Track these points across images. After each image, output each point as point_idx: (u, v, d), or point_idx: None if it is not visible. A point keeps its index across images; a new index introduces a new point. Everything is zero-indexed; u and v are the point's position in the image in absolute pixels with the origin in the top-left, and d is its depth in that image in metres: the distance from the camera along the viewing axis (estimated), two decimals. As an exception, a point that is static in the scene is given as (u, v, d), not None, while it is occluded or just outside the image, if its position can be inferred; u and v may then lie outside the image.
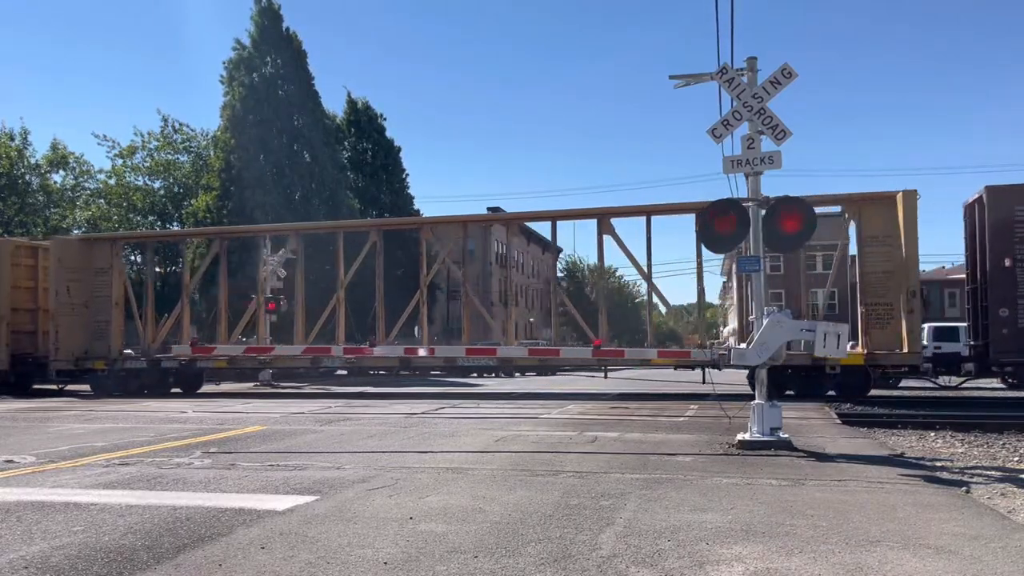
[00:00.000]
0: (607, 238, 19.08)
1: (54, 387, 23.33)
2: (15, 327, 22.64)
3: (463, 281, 21.36)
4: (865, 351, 16.59)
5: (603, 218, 19.21)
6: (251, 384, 27.70)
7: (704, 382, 20.66)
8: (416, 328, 24.30)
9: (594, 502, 5.90)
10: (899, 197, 16.47)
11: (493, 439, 9.95)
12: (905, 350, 16.21)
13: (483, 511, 5.59)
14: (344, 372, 33.16)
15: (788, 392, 16.63)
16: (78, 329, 22.17)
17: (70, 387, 23.57)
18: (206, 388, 24.32)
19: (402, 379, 32.81)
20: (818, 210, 9.97)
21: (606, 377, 34.36)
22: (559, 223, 20.84)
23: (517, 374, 36.62)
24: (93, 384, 22.25)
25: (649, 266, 19.24)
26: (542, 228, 51.65)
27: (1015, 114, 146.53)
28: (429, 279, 21.07)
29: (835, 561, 4.29)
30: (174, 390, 22.58)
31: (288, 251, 23.77)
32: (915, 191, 16.33)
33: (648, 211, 19.18)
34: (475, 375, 34.81)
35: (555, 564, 4.25)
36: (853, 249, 17.89)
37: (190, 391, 22.59)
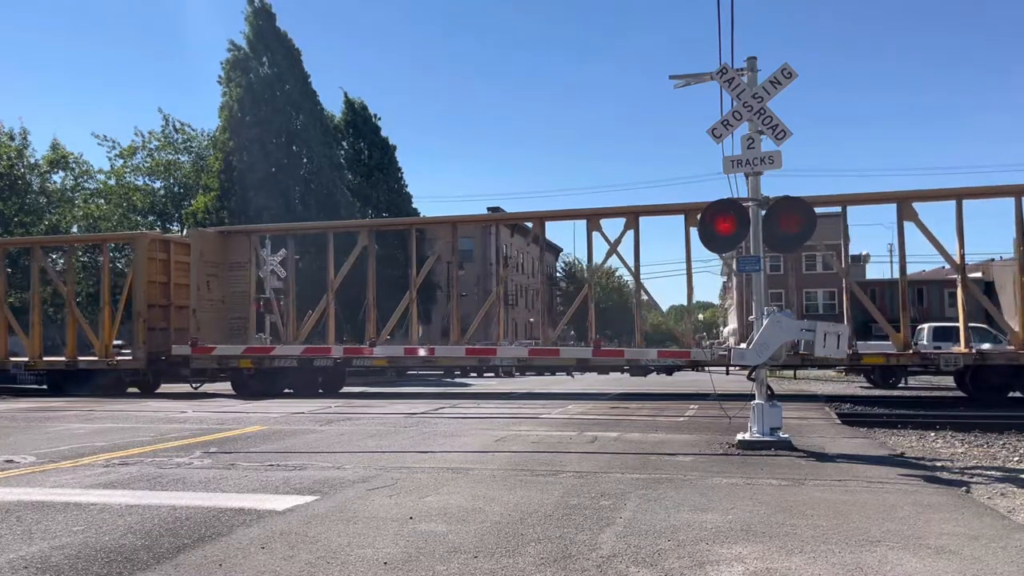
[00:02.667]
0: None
1: (190, 387, 22.24)
2: (150, 324, 21.54)
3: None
4: None
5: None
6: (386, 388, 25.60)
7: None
8: (419, 328, 24.30)
9: (594, 502, 5.90)
10: None
11: (493, 439, 9.95)
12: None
13: (483, 511, 5.60)
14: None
15: (1015, 394, 16.63)
16: (214, 326, 21.19)
17: (203, 388, 22.46)
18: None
19: (401, 379, 32.78)
20: (818, 210, 9.97)
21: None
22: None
23: (517, 373, 36.59)
24: (236, 383, 21.09)
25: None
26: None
27: (1013, 115, 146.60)
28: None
29: (835, 561, 4.29)
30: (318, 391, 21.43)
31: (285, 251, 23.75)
32: None
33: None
34: (474, 375, 34.78)
35: (555, 564, 4.25)
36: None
37: (333, 391, 21.40)
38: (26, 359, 22.25)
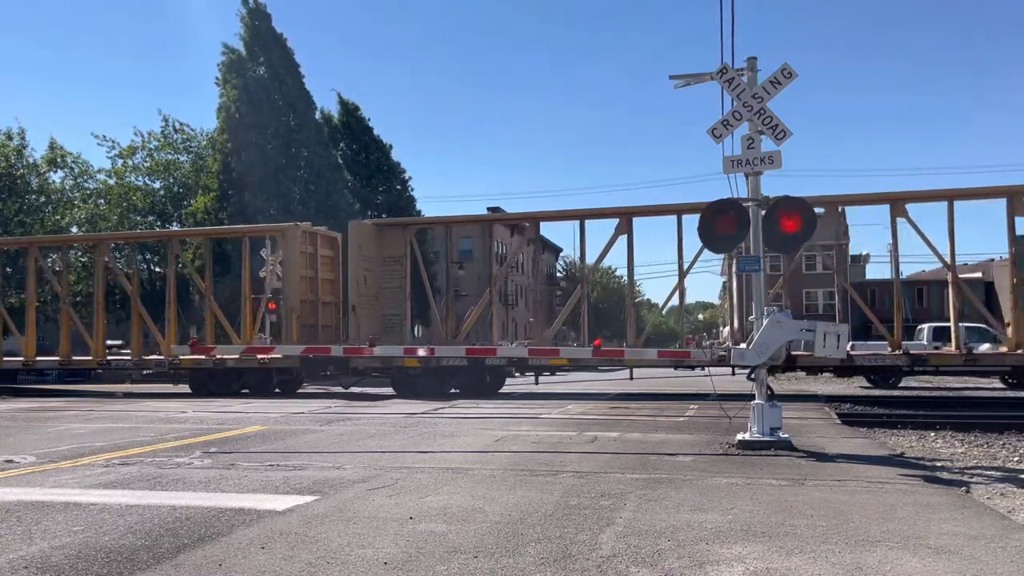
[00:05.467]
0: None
1: (340, 388, 21.40)
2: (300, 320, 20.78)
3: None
4: None
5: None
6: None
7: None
8: (417, 328, 24.34)
9: (594, 502, 5.90)
10: None
11: (493, 439, 9.95)
12: None
13: (483, 511, 5.59)
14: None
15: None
16: (369, 323, 20.48)
17: (355, 388, 21.60)
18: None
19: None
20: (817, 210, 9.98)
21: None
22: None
23: (517, 373, 36.57)
24: (397, 382, 20.13)
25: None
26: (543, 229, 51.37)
27: (1012, 115, 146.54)
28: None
29: (835, 561, 4.29)
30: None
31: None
32: None
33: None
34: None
35: (555, 564, 4.25)
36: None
37: (493, 392, 20.36)
38: (162, 357, 21.44)
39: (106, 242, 24.64)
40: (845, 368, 18.51)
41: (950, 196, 17.32)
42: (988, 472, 7.91)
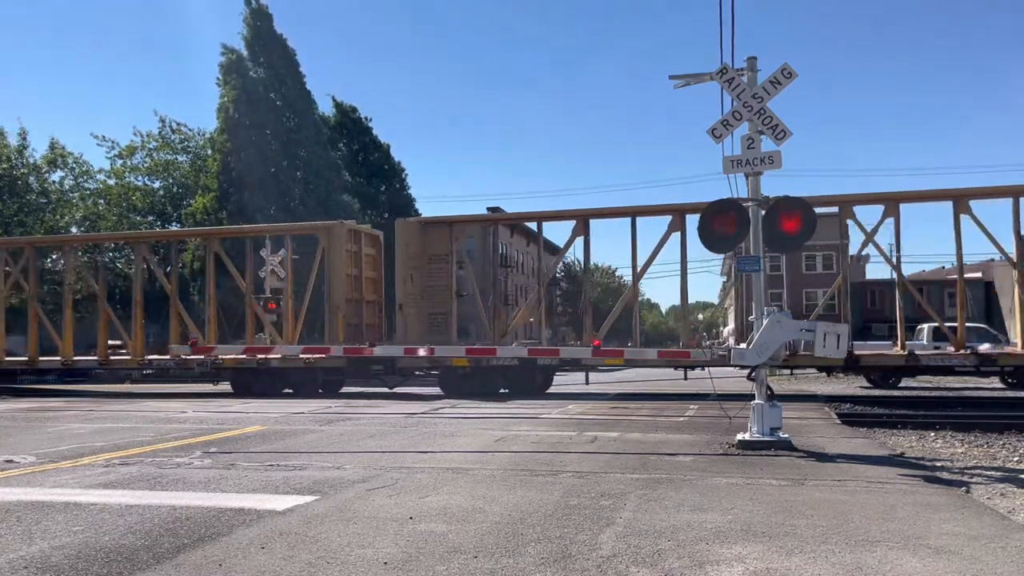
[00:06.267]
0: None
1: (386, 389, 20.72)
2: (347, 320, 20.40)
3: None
4: None
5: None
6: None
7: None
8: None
9: (594, 502, 5.90)
10: None
11: (493, 439, 9.95)
12: None
13: (483, 511, 5.59)
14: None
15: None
16: (416, 321, 20.23)
17: (400, 388, 21.10)
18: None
19: (400, 379, 32.65)
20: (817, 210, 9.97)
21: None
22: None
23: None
24: (445, 383, 19.88)
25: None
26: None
27: (1012, 115, 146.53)
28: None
29: (835, 561, 4.29)
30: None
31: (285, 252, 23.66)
32: None
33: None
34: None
35: (555, 564, 4.25)
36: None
37: (541, 392, 19.96)
38: (202, 357, 20.21)
39: (145, 240, 24.56)
40: (909, 368, 18.44)
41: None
42: (988, 472, 7.91)
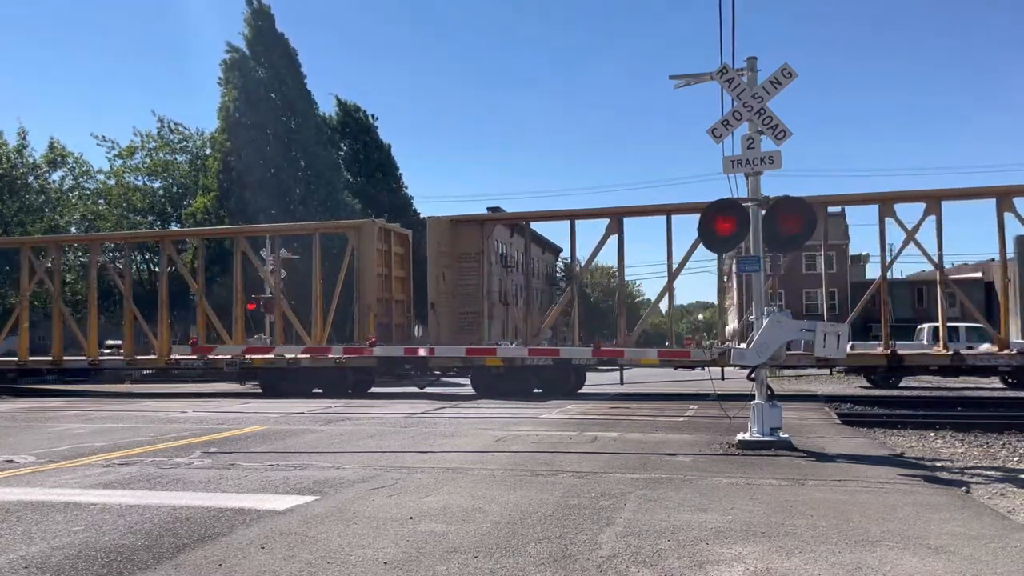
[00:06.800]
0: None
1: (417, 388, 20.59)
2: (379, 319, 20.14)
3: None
4: None
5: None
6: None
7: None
8: (417, 328, 24.32)
9: (594, 502, 5.90)
10: None
11: (493, 439, 9.95)
12: None
13: (483, 511, 5.60)
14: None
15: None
16: (449, 321, 20.05)
17: (430, 389, 20.96)
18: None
19: (399, 379, 32.67)
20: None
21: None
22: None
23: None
24: (478, 383, 19.57)
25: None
26: (541, 229, 51.82)
27: (1012, 116, 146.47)
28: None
29: (835, 561, 4.29)
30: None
31: (285, 252, 23.66)
32: None
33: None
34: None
35: (555, 564, 4.25)
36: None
37: (573, 393, 19.54)
38: (230, 356, 20.32)
39: (168, 239, 24.43)
40: (952, 368, 18.46)
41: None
42: (988, 472, 7.91)
